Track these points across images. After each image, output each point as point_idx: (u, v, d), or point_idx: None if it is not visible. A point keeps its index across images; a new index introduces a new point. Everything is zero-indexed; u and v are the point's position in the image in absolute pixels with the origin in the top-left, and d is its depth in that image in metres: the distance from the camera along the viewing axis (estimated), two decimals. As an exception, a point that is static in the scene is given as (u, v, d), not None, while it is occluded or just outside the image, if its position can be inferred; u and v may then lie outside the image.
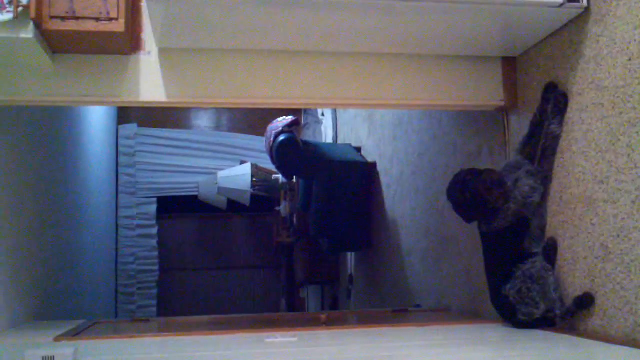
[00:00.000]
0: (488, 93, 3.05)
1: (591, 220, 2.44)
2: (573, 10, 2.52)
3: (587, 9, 2.49)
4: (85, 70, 2.77)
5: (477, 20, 2.62)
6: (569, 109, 2.60)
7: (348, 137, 6.81)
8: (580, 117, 2.52)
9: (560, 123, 2.62)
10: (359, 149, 6.17)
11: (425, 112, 4.35)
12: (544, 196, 2.67)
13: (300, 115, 8.29)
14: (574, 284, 2.53)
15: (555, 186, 2.67)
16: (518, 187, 2.58)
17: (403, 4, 2.41)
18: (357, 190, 5.61)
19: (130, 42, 2.75)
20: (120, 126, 8.16)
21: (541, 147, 2.66)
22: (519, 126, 2.99)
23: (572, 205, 2.55)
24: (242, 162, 7.75)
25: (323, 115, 7.85)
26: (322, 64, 2.94)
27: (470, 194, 2.58)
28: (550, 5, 2.49)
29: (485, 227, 2.67)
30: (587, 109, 2.48)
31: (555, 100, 2.64)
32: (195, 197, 8.04)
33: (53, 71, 2.75)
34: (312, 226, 5.74)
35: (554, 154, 2.65)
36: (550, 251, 2.61)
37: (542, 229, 2.69)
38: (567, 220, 2.58)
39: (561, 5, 2.47)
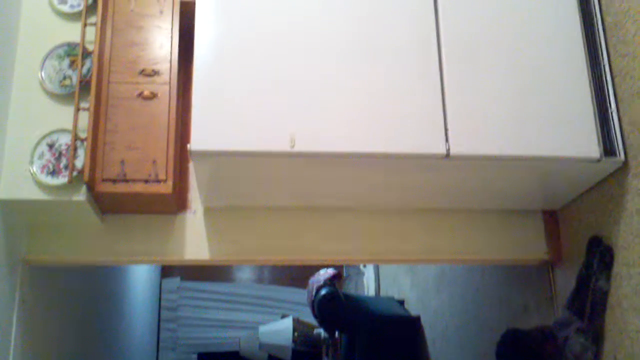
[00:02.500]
0: (530, 247, 3.02)
1: (649, 380, 2.32)
2: (611, 164, 2.54)
3: (625, 163, 2.51)
4: (133, 230, 2.85)
5: (516, 176, 2.66)
6: (615, 264, 2.55)
7: (390, 289, 6.72)
8: (629, 272, 2.46)
9: (608, 278, 2.56)
10: (402, 302, 6.05)
11: (467, 265, 4.31)
12: (597, 355, 2.56)
13: (342, 267, 8.27)
14: None
15: (607, 345, 2.56)
16: (568, 345, 2.49)
17: (443, 162, 2.46)
18: (401, 346, 5.44)
19: (177, 202, 2.84)
20: (163, 280, 8.22)
21: (590, 303, 2.58)
22: (565, 280, 2.93)
23: (628, 364, 2.44)
24: (283, 316, 7.65)
25: (365, 266, 7.81)
26: (363, 220, 2.98)
27: (523, 351, 2.49)
28: (587, 160, 2.51)
29: (537, 387, 2.55)
30: (635, 264, 2.43)
31: (600, 255, 2.60)
32: (237, 352, 7.89)
33: (102, 231, 2.84)
34: (355, 383, 5.53)
35: (603, 310, 2.57)
36: None
37: (598, 389, 2.55)
38: (624, 381, 2.46)
39: (598, 160, 2.50)
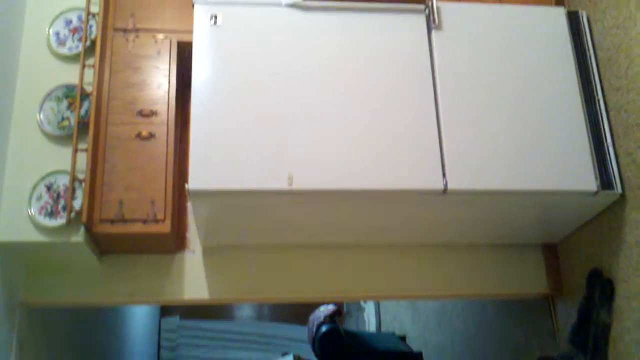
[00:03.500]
0: (531, 281, 3.01)
1: (655, 415, 2.29)
2: (609, 197, 2.55)
3: (623, 195, 2.52)
4: (131, 271, 2.84)
5: (514, 210, 2.66)
6: (616, 296, 2.54)
7: (391, 324, 6.67)
8: (630, 305, 2.45)
9: (609, 311, 2.55)
10: (403, 338, 6.00)
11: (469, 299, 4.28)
12: (601, 389, 2.54)
13: (342, 303, 8.21)
14: None
15: (611, 378, 2.54)
16: (573, 380, 2.47)
17: (441, 197, 2.47)
18: (403, 383, 5.38)
19: (175, 242, 2.84)
20: (163, 318, 8.15)
21: (592, 336, 2.57)
22: (567, 314, 2.91)
23: (633, 399, 2.41)
24: (284, 354, 7.58)
25: (365, 302, 7.77)
26: (363, 256, 2.97)
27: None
28: (585, 194, 2.52)
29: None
30: (636, 297, 2.42)
31: (601, 288, 2.59)
32: (237, 391, 7.79)
33: (100, 272, 2.82)
34: (357, 422, 5.45)
35: (606, 343, 2.55)
36: None
37: None
38: (629, 416, 2.43)
39: (596, 193, 2.51)
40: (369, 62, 2.59)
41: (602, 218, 2.66)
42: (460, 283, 2.99)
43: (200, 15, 2.60)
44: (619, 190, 2.52)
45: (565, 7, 2.84)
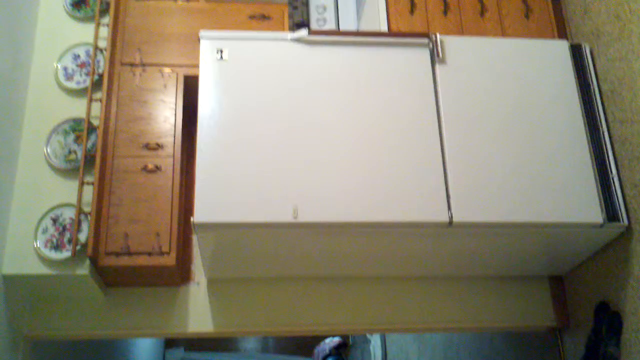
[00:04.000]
0: (538, 313, 2.99)
1: None
2: (615, 229, 2.54)
3: (629, 228, 2.51)
4: (136, 303, 2.83)
5: (520, 242, 2.65)
6: (624, 330, 2.52)
7: (398, 356, 6.61)
8: (638, 338, 2.43)
9: (618, 344, 2.53)
10: (409, 370, 5.95)
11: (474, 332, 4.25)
12: None
13: (347, 336, 8.15)
14: None
15: (621, 413, 2.51)
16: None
17: (447, 230, 2.47)
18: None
19: (180, 274, 2.83)
20: (167, 350, 8.09)
21: (600, 371, 2.54)
22: (574, 347, 2.89)
23: None
24: (289, 387, 7.51)
25: (371, 334, 7.70)
26: (368, 289, 2.96)
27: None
28: (591, 226, 2.52)
29: None
30: (644, 330, 2.40)
31: (609, 320, 2.57)
32: None
33: (105, 304, 2.82)
34: None
35: (615, 377, 2.53)
36: None
37: None
38: None
39: (602, 225, 2.50)
40: (374, 95, 2.61)
41: (609, 250, 2.65)
42: (466, 316, 2.96)
43: (207, 49, 2.63)
44: (625, 222, 2.51)
45: (568, 41, 2.86)
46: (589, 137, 2.63)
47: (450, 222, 2.43)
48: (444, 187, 2.48)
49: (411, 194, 2.46)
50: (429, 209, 2.45)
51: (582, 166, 2.58)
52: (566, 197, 2.51)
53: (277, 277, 2.91)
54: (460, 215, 2.44)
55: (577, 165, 2.58)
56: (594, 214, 2.50)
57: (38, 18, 3.08)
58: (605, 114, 2.68)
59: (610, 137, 2.64)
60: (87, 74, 2.92)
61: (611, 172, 2.59)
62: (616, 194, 2.55)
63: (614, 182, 2.57)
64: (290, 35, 2.68)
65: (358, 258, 2.75)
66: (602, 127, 2.66)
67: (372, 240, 2.57)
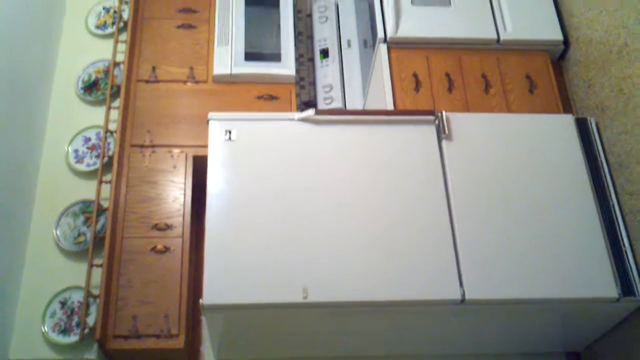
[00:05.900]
0: (558, 391, 2.91)
1: None
2: (631, 303, 2.49)
3: (646, 302, 2.47)
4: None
5: (534, 318, 2.60)
6: (646, 409, 2.44)
7: None
8: (661, 418, 2.35)
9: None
10: None
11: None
12: None
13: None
14: None
15: None
16: None
17: (459, 307, 2.43)
18: None
19: (189, 356, 2.79)
20: None
21: None
22: None
23: None
24: None
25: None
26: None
27: None
28: (606, 301, 2.47)
29: None
30: (667, 409, 2.32)
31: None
32: None
33: (113, 390, 2.77)
34: None
35: None
36: None
37: None
38: None
39: (617, 300, 2.46)
40: (381, 173, 2.62)
41: (626, 325, 2.60)
42: (482, 395, 2.89)
43: (215, 130, 2.66)
44: (641, 297, 2.47)
45: (573, 114, 2.88)
46: (599, 210, 2.61)
47: (463, 300, 2.40)
48: (455, 264, 2.45)
49: (422, 272, 2.43)
50: (440, 286, 2.41)
51: (594, 239, 2.55)
52: (579, 271, 2.48)
53: (288, 357, 2.86)
54: (473, 292, 2.41)
55: (589, 239, 2.55)
56: (609, 288, 2.46)
57: (51, 102, 3.15)
58: (614, 186, 2.68)
59: (620, 209, 2.62)
60: (97, 157, 2.96)
61: (624, 245, 2.56)
62: (630, 267, 2.51)
63: (627, 254, 2.53)
64: (297, 115, 2.71)
65: (369, 337, 2.70)
66: (611, 199, 2.64)
67: (383, 318, 2.53)
